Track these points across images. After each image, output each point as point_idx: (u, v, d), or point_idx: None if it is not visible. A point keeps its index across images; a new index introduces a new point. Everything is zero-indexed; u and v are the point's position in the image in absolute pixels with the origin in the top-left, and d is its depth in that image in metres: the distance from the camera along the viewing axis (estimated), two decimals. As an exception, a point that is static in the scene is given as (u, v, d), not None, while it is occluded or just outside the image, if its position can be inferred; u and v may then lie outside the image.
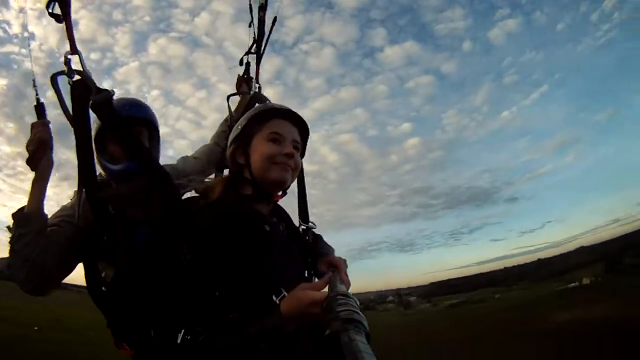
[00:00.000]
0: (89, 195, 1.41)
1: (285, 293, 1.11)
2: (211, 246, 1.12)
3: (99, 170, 1.60)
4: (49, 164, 1.44)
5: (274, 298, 1.10)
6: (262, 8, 2.06)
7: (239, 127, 1.33)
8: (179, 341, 1.06)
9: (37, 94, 1.52)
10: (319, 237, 1.64)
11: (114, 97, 1.47)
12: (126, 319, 1.42)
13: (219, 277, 1.11)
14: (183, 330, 1.07)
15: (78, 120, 1.34)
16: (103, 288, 1.49)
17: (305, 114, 1.40)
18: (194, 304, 1.10)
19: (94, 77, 1.39)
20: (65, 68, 1.35)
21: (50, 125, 1.50)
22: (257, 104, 1.48)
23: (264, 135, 1.29)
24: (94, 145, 1.52)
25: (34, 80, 1.54)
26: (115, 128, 1.35)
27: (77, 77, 1.34)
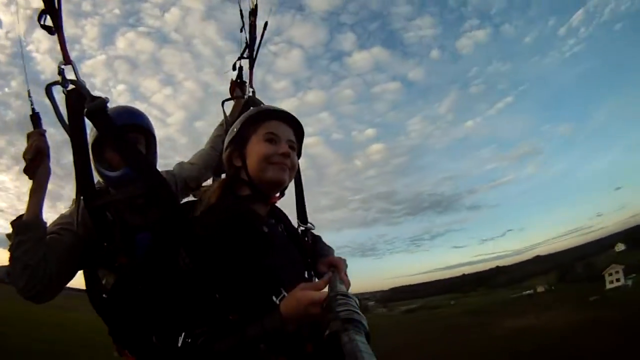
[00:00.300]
0: (87, 203, 1.41)
1: (285, 294, 1.11)
2: (210, 249, 1.13)
3: (96, 178, 1.63)
4: (47, 173, 1.44)
5: (274, 299, 1.11)
6: (253, 13, 2.07)
7: (234, 129, 1.34)
8: (179, 344, 1.09)
9: (32, 104, 1.51)
10: (318, 238, 1.64)
11: (112, 106, 1.57)
12: (127, 325, 1.46)
13: (218, 279, 1.11)
14: (183, 334, 1.09)
15: (74, 129, 1.35)
16: (104, 295, 1.51)
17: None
18: (194, 307, 1.12)
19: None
20: (59, 78, 1.35)
21: (47, 134, 1.51)
22: (251, 108, 1.48)
23: (259, 136, 1.30)
24: (91, 153, 1.53)
25: (28, 91, 1.53)
26: (111, 135, 1.35)
27: (71, 86, 1.33)
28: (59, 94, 1.43)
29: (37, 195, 1.42)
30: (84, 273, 1.60)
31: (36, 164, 1.42)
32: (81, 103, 1.30)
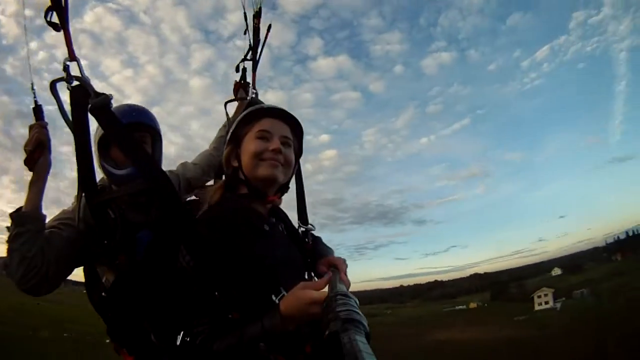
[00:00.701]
0: (89, 200, 1.42)
1: (285, 292, 1.11)
2: (211, 248, 1.13)
3: (100, 175, 1.64)
4: (47, 165, 1.45)
5: (274, 298, 1.11)
6: (257, 16, 2.08)
7: (231, 130, 1.35)
8: (178, 343, 1.12)
9: (35, 97, 1.51)
10: (318, 239, 1.62)
11: (119, 104, 1.64)
12: (126, 324, 1.48)
13: (218, 278, 1.11)
14: (182, 332, 1.13)
15: (77, 125, 1.34)
16: (103, 294, 1.51)
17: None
18: (194, 306, 1.13)
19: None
20: (64, 74, 1.35)
21: (48, 127, 1.50)
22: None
23: (252, 134, 1.30)
24: (97, 151, 1.56)
25: (32, 84, 1.53)
26: (115, 133, 1.35)
27: (75, 83, 1.34)
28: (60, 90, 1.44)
29: (36, 187, 1.41)
30: (84, 269, 1.60)
31: (36, 156, 1.41)
32: (85, 99, 1.29)
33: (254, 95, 2.12)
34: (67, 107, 1.42)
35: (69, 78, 1.35)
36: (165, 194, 1.31)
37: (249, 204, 1.31)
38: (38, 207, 1.41)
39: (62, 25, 1.36)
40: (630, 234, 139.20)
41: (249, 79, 2.20)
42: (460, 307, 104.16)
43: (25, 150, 1.41)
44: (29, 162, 1.41)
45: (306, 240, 1.57)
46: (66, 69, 1.34)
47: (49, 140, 1.45)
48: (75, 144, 1.35)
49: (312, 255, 1.47)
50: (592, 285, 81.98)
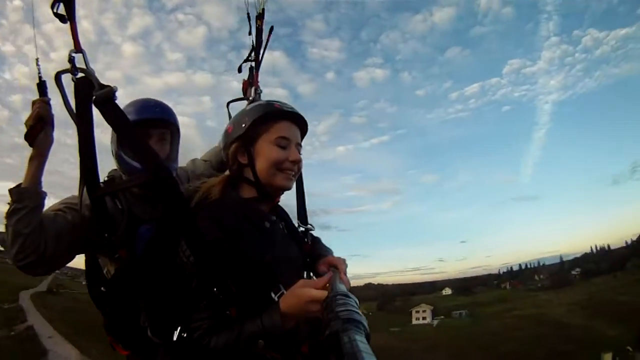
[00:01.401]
0: (90, 192, 1.39)
1: (284, 291, 1.13)
2: (211, 244, 1.13)
3: (114, 165, 1.70)
4: (48, 141, 1.44)
5: (273, 295, 1.13)
6: (260, 17, 2.13)
7: (243, 125, 1.29)
8: (175, 338, 1.11)
9: (39, 72, 1.50)
10: (317, 239, 1.64)
11: (140, 98, 1.70)
12: (123, 319, 1.49)
13: (218, 274, 1.11)
14: (179, 328, 1.12)
15: (81, 117, 1.32)
16: (102, 289, 1.52)
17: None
18: (192, 301, 1.12)
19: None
20: (69, 66, 1.34)
21: (52, 103, 1.50)
22: (260, 103, 1.39)
23: (270, 138, 1.28)
24: (116, 140, 1.59)
25: (37, 59, 1.52)
26: (119, 127, 1.33)
27: (80, 74, 1.32)
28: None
29: (35, 163, 1.41)
30: (85, 258, 1.61)
31: (37, 131, 1.41)
32: (90, 91, 1.27)
33: (256, 96, 2.17)
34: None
35: (74, 70, 1.33)
36: (167, 188, 1.24)
37: (252, 202, 1.31)
38: (37, 183, 1.41)
39: (69, 18, 1.36)
40: (524, 267, 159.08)
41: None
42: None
43: (25, 125, 1.42)
44: (29, 137, 1.40)
45: (305, 240, 1.59)
46: (72, 60, 1.32)
47: (51, 116, 1.45)
48: (79, 136, 1.33)
49: (311, 255, 1.49)
50: (475, 308, 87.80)
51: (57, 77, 1.39)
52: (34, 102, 1.46)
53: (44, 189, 1.46)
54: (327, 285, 1.05)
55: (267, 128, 1.29)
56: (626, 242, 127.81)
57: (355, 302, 0.90)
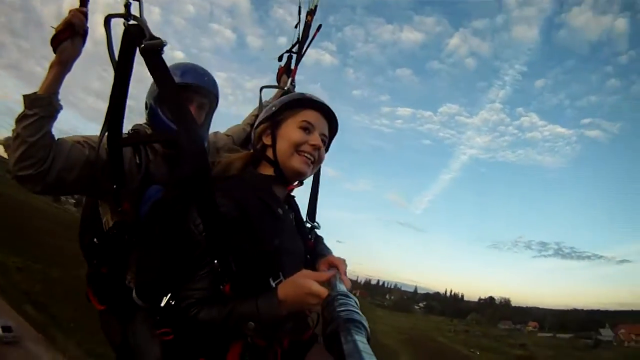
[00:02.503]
0: (110, 141, 1.36)
1: (283, 278, 1.13)
2: (225, 219, 1.11)
3: (144, 120, 1.69)
4: (73, 51, 1.37)
5: (271, 282, 1.13)
6: (311, 13, 2.17)
7: (273, 108, 1.32)
8: (162, 304, 1.10)
9: None
10: (320, 238, 1.64)
11: (187, 62, 1.70)
12: (109, 273, 1.50)
13: (224, 248, 1.10)
14: (169, 295, 1.10)
15: (122, 61, 1.27)
16: (95, 240, 1.53)
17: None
18: (188, 270, 1.11)
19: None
20: (123, 11, 1.31)
21: (88, 14, 1.44)
22: (294, 92, 1.42)
23: (295, 121, 1.29)
24: (156, 95, 1.57)
25: None
26: (162, 82, 1.24)
27: (132, 22, 1.29)
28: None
29: (54, 71, 1.35)
30: (86, 201, 1.64)
31: (63, 36, 1.35)
32: (140, 39, 1.21)
33: (291, 87, 2.21)
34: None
35: (128, 15, 1.28)
36: (197, 163, 1.15)
37: (270, 184, 1.31)
38: (53, 92, 1.34)
39: None
40: (381, 283, 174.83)
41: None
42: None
43: (55, 29, 1.36)
44: (54, 42, 1.34)
45: (309, 236, 1.58)
46: (127, 5, 1.30)
47: (83, 26, 1.39)
48: (114, 81, 1.30)
49: (312, 253, 1.48)
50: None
51: (107, 20, 1.34)
52: (70, 11, 1.40)
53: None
54: (329, 283, 1.07)
55: (294, 113, 1.29)
56: (478, 299, 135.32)
57: (356, 302, 0.91)
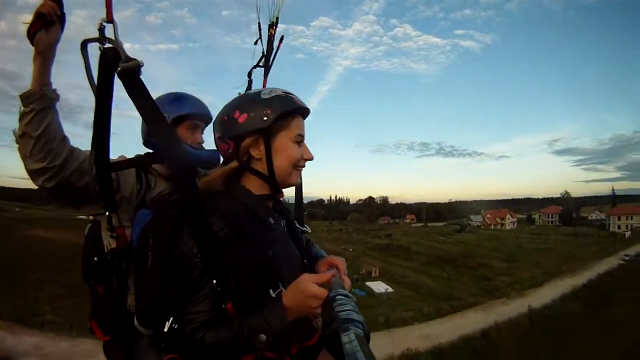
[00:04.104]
0: (97, 166, 1.37)
1: (283, 288, 1.12)
2: (219, 238, 1.09)
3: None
4: (49, 39, 1.34)
5: (271, 292, 1.12)
6: (272, 26, 2.20)
7: (265, 119, 1.19)
8: (166, 329, 1.08)
9: None
10: (311, 242, 1.62)
11: (163, 94, 1.71)
12: (108, 296, 1.50)
13: (222, 268, 1.08)
14: (172, 319, 1.08)
15: (102, 87, 1.29)
16: (95, 258, 1.55)
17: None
18: (187, 293, 1.09)
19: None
20: (98, 35, 1.29)
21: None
22: (278, 94, 1.28)
23: (291, 135, 1.23)
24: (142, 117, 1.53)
25: None
26: (140, 101, 1.22)
27: (108, 45, 1.27)
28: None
29: (37, 63, 1.35)
30: (89, 227, 1.66)
31: (34, 28, 1.33)
32: (116, 62, 1.21)
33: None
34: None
35: (103, 39, 1.27)
36: (182, 182, 1.15)
37: (259, 197, 1.26)
38: (43, 84, 1.34)
39: None
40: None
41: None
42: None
43: (25, 23, 1.35)
44: (28, 35, 1.33)
45: (303, 240, 1.54)
46: (102, 29, 1.27)
47: (57, 13, 1.35)
48: (96, 107, 1.32)
49: (308, 257, 1.45)
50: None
51: (84, 45, 1.35)
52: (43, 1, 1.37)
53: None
54: (328, 284, 1.07)
55: (287, 124, 1.22)
56: (357, 200, 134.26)
57: (355, 302, 0.92)
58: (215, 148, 1.33)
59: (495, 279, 33.66)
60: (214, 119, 1.31)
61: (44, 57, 1.34)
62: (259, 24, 2.18)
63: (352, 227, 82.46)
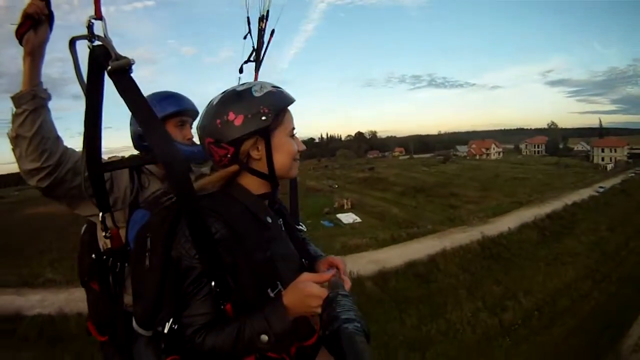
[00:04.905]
0: (88, 166, 1.34)
1: (282, 287, 1.11)
2: (217, 240, 1.07)
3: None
4: (37, 39, 1.34)
5: (270, 292, 1.11)
6: (262, 19, 2.16)
7: (263, 118, 1.15)
8: (166, 330, 1.07)
9: None
10: (308, 240, 1.60)
11: (163, 91, 1.75)
12: (104, 295, 1.53)
13: (220, 269, 1.07)
14: (171, 319, 1.07)
15: (92, 86, 1.25)
16: (93, 255, 1.57)
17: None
18: (185, 295, 1.08)
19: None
20: (86, 32, 1.24)
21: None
22: (271, 89, 1.23)
23: (286, 130, 1.22)
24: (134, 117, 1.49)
25: None
26: (132, 100, 1.16)
27: (97, 42, 1.23)
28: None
29: (26, 64, 1.35)
30: (85, 228, 1.72)
31: (23, 29, 1.32)
32: (106, 60, 1.17)
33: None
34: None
35: (91, 36, 1.22)
36: (178, 182, 1.09)
37: (257, 196, 1.24)
38: (33, 85, 1.35)
39: None
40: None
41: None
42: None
43: (13, 25, 1.35)
44: (16, 36, 1.33)
45: (299, 239, 1.50)
46: (90, 26, 1.22)
47: (44, 12, 1.33)
48: (86, 107, 1.28)
49: (307, 256, 1.43)
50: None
51: (72, 43, 1.28)
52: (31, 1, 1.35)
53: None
54: (328, 283, 1.07)
55: (282, 120, 1.20)
56: (346, 136, 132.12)
57: (355, 302, 0.93)
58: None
59: (462, 208, 34.04)
60: (200, 120, 1.21)
61: (34, 58, 1.34)
62: (247, 18, 2.14)
63: (339, 164, 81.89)
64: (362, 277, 17.07)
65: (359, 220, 32.30)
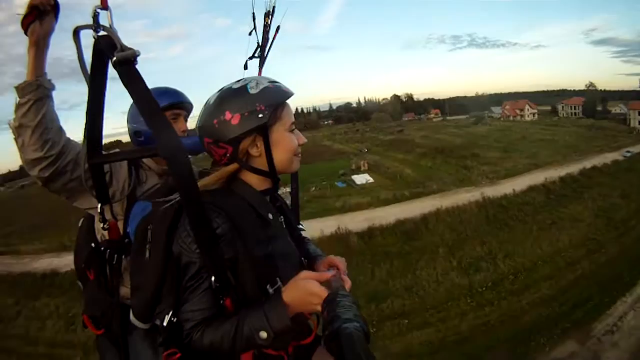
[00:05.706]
0: (89, 157, 1.34)
1: (281, 284, 1.11)
2: (219, 235, 1.07)
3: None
4: (43, 30, 1.34)
5: (269, 288, 1.11)
6: (268, 15, 2.14)
7: (261, 116, 1.14)
8: (165, 323, 1.07)
9: None
10: (308, 240, 1.60)
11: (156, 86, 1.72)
12: (99, 286, 1.54)
13: (221, 265, 1.07)
14: (170, 312, 1.07)
15: (95, 76, 1.24)
16: (92, 244, 1.59)
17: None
18: (184, 290, 1.08)
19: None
20: (91, 22, 1.23)
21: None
22: (268, 85, 1.23)
23: (284, 125, 1.20)
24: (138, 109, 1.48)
25: None
26: (137, 92, 1.15)
27: (102, 32, 1.21)
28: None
29: (31, 54, 1.36)
30: (82, 221, 1.73)
31: (29, 20, 1.33)
32: (111, 51, 1.15)
33: None
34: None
35: (96, 26, 1.20)
36: (180, 175, 1.06)
37: (259, 193, 1.23)
38: (38, 75, 1.35)
39: None
40: (298, 109, 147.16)
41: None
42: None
43: (20, 15, 1.35)
44: (23, 26, 1.33)
45: (300, 238, 1.52)
46: (96, 16, 1.20)
47: (50, 3, 1.34)
48: (89, 97, 1.29)
49: (307, 255, 1.46)
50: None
51: (76, 32, 1.27)
52: None
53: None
54: (328, 283, 1.06)
55: (280, 115, 1.19)
56: (382, 99, 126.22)
57: (355, 302, 0.92)
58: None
59: (476, 169, 33.95)
60: (198, 120, 1.22)
61: (39, 48, 1.35)
62: (253, 14, 2.08)
63: (370, 127, 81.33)
64: (350, 232, 17.95)
65: (371, 180, 32.77)
